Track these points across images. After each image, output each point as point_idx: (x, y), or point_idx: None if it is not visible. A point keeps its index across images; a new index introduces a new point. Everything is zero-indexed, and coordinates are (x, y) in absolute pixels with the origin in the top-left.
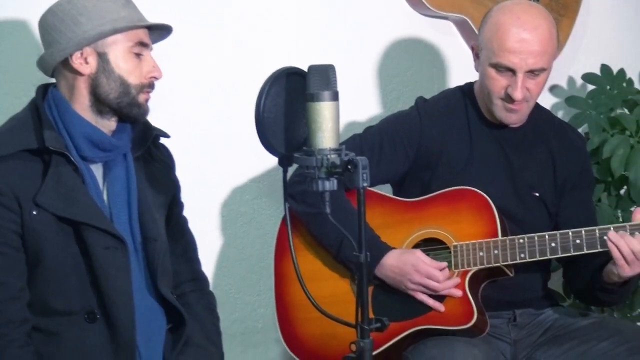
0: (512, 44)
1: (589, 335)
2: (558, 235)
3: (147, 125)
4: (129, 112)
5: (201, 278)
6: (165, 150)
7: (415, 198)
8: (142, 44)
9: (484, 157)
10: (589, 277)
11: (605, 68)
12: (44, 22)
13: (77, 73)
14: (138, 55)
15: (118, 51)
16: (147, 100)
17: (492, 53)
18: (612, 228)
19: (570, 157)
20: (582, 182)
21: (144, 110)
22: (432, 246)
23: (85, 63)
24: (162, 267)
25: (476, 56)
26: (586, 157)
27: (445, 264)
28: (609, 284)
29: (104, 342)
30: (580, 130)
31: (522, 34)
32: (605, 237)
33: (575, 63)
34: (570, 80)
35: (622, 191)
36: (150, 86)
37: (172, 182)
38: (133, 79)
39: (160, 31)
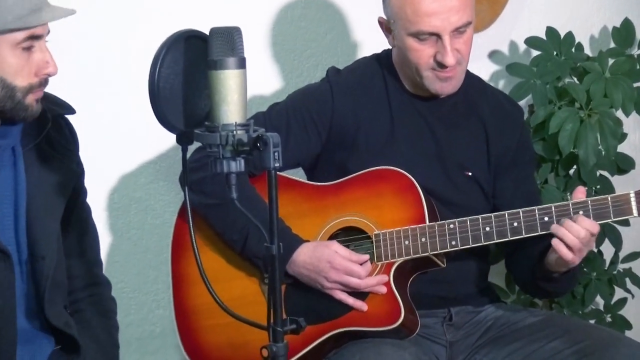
0: (428, 6)
1: (535, 334)
2: (493, 218)
3: (43, 109)
4: (15, 115)
5: (101, 282)
6: (67, 131)
7: (331, 182)
8: (35, 37)
9: (407, 134)
10: (531, 266)
11: (551, 31)
12: None
13: None
14: (28, 48)
15: (1, 48)
16: (37, 99)
17: (408, 22)
18: (553, 207)
19: (506, 130)
20: (521, 158)
21: (32, 111)
22: (351, 236)
23: None
24: (50, 289)
25: (387, 31)
26: (524, 130)
27: (366, 257)
28: (552, 272)
29: None
30: (523, 101)
31: None
32: (546, 219)
33: (518, 26)
34: (512, 45)
35: (571, 171)
36: (42, 84)
37: (73, 171)
38: (20, 81)
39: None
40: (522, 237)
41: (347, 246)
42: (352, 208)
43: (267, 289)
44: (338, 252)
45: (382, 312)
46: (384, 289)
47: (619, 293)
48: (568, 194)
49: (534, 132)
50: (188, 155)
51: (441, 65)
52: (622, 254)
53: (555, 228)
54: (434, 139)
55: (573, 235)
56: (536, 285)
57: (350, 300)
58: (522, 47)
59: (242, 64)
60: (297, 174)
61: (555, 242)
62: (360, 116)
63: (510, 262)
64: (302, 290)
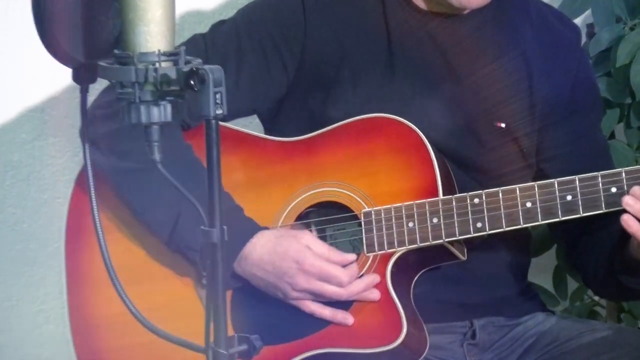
0: None
1: (599, 357)
2: (536, 188)
3: None
4: None
5: None
6: None
7: (301, 136)
8: None
9: (413, 67)
10: (608, 254)
11: None
12: None
13: None
14: None
15: None
16: None
17: None
18: (623, 173)
19: (557, 61)
20: (581, 102)
21: None
22: (328, 216)
23: None
24: None
25: None
26: (584, 61)
27: (352, 256)
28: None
29: None
30: (580, 19)
31: None
32: (613, 189)
33: None
34: None
35: None
36: None
37: None
38: None
39: None
40: (578, 215)
41: (324, 230)
42: (331, 175)
43: (205, 294)
44: (311, 247)
45: (374, 327)
46: (376, 294)
47: None
48: None
49: (594, 63)
50: (91, 99)
51: None
52: None
53: (628, 201)
54: (450, 75)
55: None
56: (616, 282)
57: (326, 312)
58: None
59: None
60: (252, 126)
61: (625, 219)
62: (345, 40)
63: (574, 253)
64: (256, 297)
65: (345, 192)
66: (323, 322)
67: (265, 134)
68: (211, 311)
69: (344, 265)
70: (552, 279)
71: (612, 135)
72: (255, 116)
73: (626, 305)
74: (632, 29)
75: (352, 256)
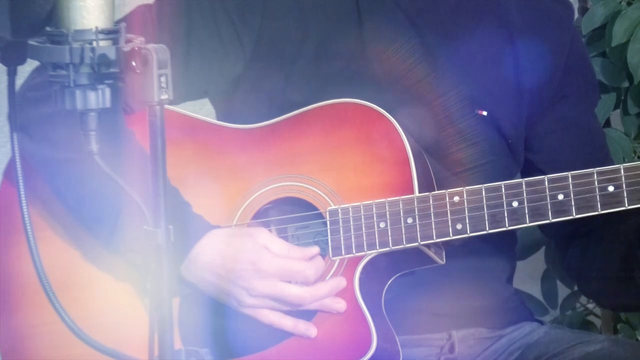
0: None
1: None
2: (524, 186)
3: None
4: None
5: None
6: None
7: (259, 123)
8: None
9: (384, 47)
10: (617, 256)
11: None
12: None
13: None
14: None
15: None
16: None
17: None
18: (622, 170)
19: (547, 40)
20: (574, 88)
21: None
22: (290, 214)
23: None
24: None
25: None
26: (577, 39)
27: (315, 249)
28: None
29: None
30: None
31: None
32: (610, 189)
33: None
34: None
35: None
36: None
37: None
38: None
39: None
40: (571, 217)
41: (284, 230)
42: (293, 167)
43: (149, 302)
44: (268, 246)
45: (340, 340)
46: (342, 304)
47: None
48: None
49: (587, 42)
50: (19, 82)
51: None
52: None
53: None
54: (427, 55)
55: None
56: (628, 289)
57: (287, 322)
58: None
59: None
60: (203, 112)
61: None
62: (308, 13)
63: (567, 254)
64: (207, 306)
65: (309, 187)
66: (283, 334)
67: (218, 120)
68: (156, 321)
69: (309, 267)
70: (540, 285)
71: (607, 123)
72: (207, 100)
73: (623, 315)
74: (629, 3)
75: (314, 249)
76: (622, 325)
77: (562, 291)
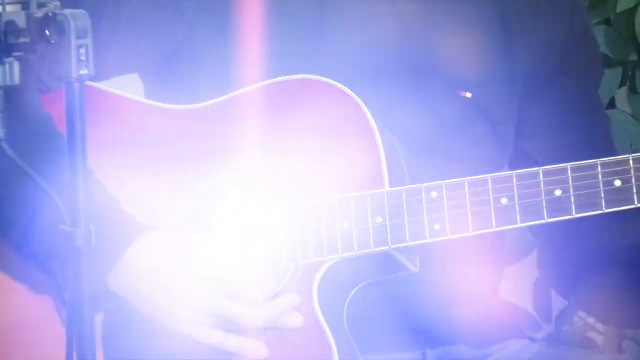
0: None
1: None
2: (515, 179)
3: None
4: None
5: None
6: None
7: (200, 103)
8: None
9: (351, 17)
10: (627, 265)
11: None
12: None
13: None
14: None
15: None
16: None
17: None
18: (631, 161)
19: (543, 10)
20: (574, 64)
21: None
22: (238, 212)
23: None
24: None
25: None
26: (580, 10)
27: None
28: None
29: None
30: None
31: None
32: (617, 184)
33: None
34: None
35: None
36: None
37: None
38: None
39: None
40: (570, 217)
41: (231, 232)
42: (240, 156)
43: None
44: (212, 253)
45: (297, 358)
46: (299, 319)
47: None
48: None
49: (589, 8)
50: None
51: None
52: None
53: None
54: (400, 28)
55: None
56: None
57: (233, 343)
58: None
59: None
60: (131, 90)
61: None
62: None
63: (564, 261)
64: (138, 323)
65: (260, 180)
66: (229, 355)
67: (148, 98)
68: (74, 339)
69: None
70: (532, 296)
71: (611, 104)
72: (137, 76)
73: (630, 331)
74: None
75: (265, 264)
76: (628, 343)
77: (558, 303)
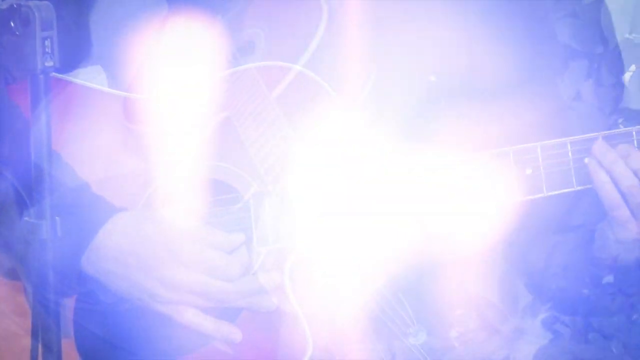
0: None
1: None
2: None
3: None
4: None
5: None
6: None
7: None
8: None
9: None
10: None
11: None
12: None
13: None
14: None
15: None
16: None
17: None
18: (600, 138)
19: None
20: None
21: None
22: (210, 195)
23: None
24: None
25: None
26: None
27: (240, 237)
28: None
29: None
30: None
31: None
32: (587, 160)
33: None
34: None
35: (627, 76)
36: None
37: None
38: None
39: None
40: (542, 195)
41: (206, 215)
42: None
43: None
44: (185, 230)
45: (269, 344)
46: (272, 302)
47: None
48: (619, 120)
49: (556, 1)
50: None
51: None
52: None
53: (598, 149)
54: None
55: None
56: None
57: (208, 324)
58: None
59: None
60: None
61: (598, 178)
62: None
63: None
64: (112, 304)
65: (229, 166)
66: (202, 338)
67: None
68: (39, 323)
69: (231, 251)
70: (497, 288)
71: (578, 96)
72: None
73: (595, 322)
74: None
75: (239, 237)
76: (593, 334)
77: (524, 296)
